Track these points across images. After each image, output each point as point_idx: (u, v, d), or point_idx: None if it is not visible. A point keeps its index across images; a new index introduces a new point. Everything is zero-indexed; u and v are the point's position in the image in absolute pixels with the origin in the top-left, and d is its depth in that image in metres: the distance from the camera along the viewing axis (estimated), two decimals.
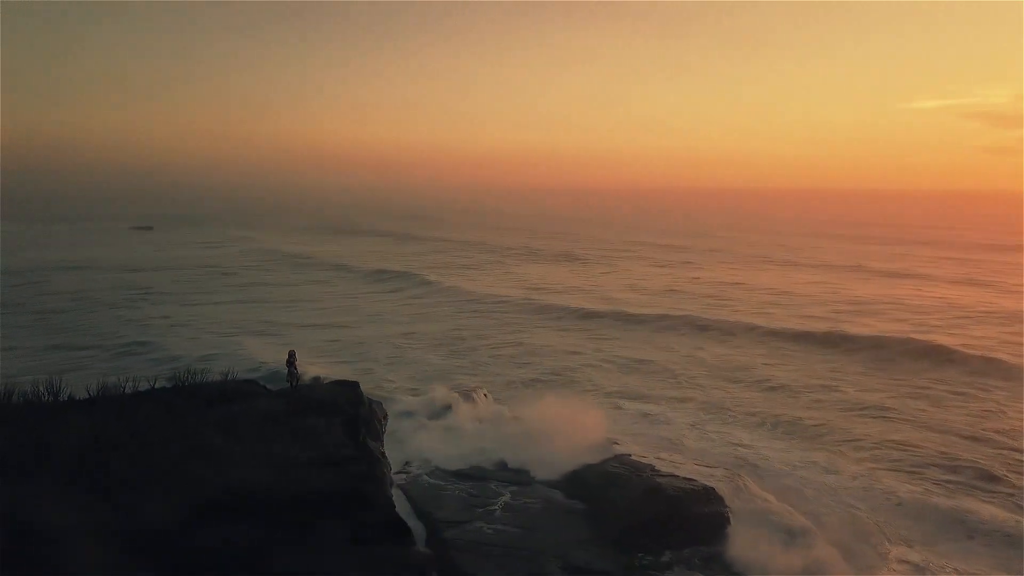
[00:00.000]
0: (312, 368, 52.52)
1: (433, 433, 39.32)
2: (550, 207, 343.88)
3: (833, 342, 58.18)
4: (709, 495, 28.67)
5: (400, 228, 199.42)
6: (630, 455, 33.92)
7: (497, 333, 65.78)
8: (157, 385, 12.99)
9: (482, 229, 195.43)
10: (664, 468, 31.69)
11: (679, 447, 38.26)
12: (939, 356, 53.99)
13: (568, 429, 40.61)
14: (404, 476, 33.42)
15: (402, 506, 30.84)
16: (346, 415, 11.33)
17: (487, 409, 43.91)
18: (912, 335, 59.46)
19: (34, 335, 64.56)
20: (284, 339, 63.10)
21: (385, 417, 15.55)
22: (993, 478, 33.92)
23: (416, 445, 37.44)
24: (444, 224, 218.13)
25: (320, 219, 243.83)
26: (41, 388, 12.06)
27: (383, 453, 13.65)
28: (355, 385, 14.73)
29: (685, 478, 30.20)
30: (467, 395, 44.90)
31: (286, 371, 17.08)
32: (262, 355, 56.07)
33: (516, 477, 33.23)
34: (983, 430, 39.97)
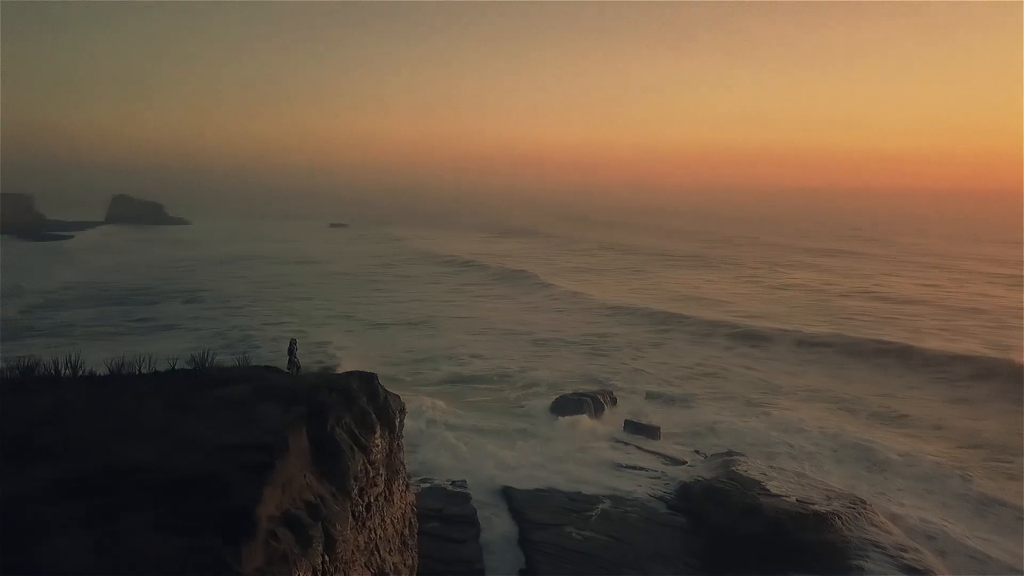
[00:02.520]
0: (437, 363, 54.25)
1: (553, 438, 39.09)
2: (724, 207, 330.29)
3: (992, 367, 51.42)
4: (819, 521, 26.21)
5: (562, 231, 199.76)
6: (746, 470, 31.76)
7: (643, 340, 64.19)
8: (178, 367, 13.76)
9: (650, 232, 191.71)
10: (778, 488, 29.33)
11: (813, 466, 35.48)
12: None
13: (688, 440, 39.01)
14: (509, 476, 33.50)
15: (499, 505, 31.06)
16: (314, 404, 11.35)
17: (609, 414, 43.14)
18: None
19: (210, 320, 71.28)
20: (433, 333, 65.44)
21: (402, 411, 15.50)
22: None
23: (529, 445, 37.49)
24: (612, 226, 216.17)
25: (498, 219, 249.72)
26: (61, 363, 13.18)
27: (381, 446, 13.52)
28: (372, 376, 14.85)
29: (797, 500, 27.84)
30: (595, 398, 44.31)
31: (287, 359, 17.64)
32: (401, 345, 58.83)
33: (621, 485, 32.23)
34: None
